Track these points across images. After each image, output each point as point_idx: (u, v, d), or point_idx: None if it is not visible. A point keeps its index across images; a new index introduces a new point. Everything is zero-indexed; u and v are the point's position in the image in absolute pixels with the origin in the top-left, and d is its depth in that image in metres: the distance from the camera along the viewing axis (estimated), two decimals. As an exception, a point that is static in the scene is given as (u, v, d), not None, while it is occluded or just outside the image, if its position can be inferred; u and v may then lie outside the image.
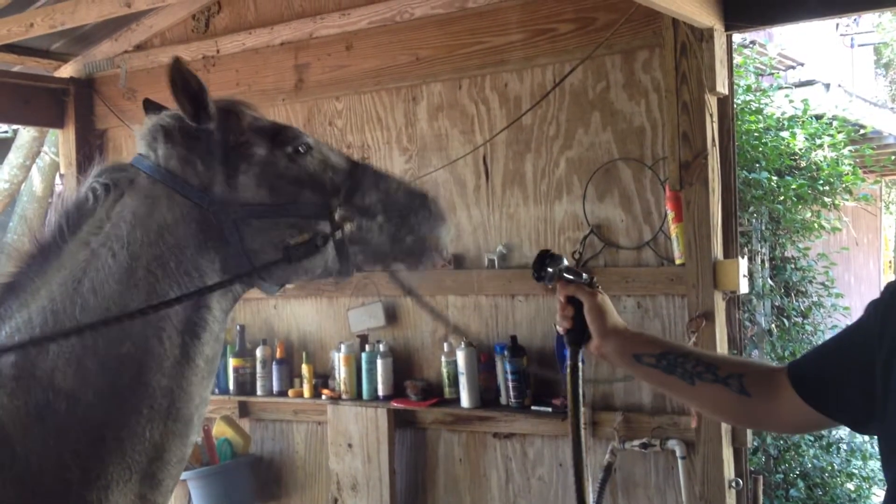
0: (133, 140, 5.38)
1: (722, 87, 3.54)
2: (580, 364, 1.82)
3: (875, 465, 6.01)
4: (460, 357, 3.98)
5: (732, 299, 3.60)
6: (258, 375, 4.58)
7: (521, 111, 3.97)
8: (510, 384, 3.89)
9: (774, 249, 6.00)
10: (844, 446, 6.04)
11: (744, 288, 3.55)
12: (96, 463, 1.75)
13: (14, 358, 1.75)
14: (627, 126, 3.78)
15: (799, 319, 6.04)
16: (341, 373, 4.31)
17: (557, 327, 1.88)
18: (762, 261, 5.83)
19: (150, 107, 2.07)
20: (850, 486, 5.93)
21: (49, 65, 5.15)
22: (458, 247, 4.15)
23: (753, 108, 5.88)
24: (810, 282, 6.20)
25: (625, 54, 3.77)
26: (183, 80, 1.83)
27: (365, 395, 4.27)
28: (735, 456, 3.55)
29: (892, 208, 12.04)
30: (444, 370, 4.10)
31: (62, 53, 5.13)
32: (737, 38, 5.31)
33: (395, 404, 4.18)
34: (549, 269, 1.80)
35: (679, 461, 3.58)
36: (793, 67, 10.04)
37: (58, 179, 5.52)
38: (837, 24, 12.70)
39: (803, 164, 6.05)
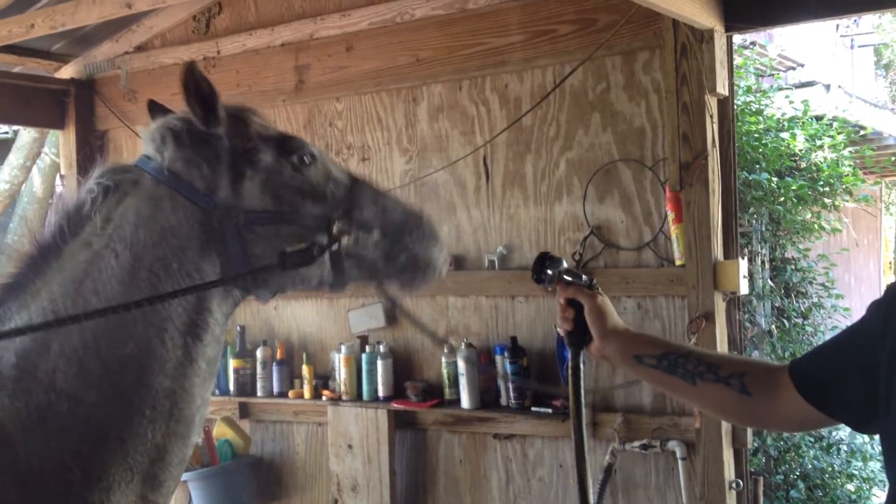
0: (134, 141, 5.39)
1: (722, 88, 3.54)
2: (581, 365, 1.83)
3: (875, 466, 6.02)
4: (460, 358, 3.98)
5: (732, 300, 3.60)
6: (258, 376, 4.58)
7: (521, 112, 3.98)
8: (510, 385, 3.90)
9: (774, 250, 6.00)
10: (845, 447, 6.04)
11: (744, 289, 3.55)
12: (98, 464, 1.75)
13: (15, 359, 1.75)
14: (628, 127, 3.78)
15: (799, 320, 6.04)
16: (341, 374, 4.31)
17: (558, 329, 1.89)
18: (762, 262, 5.83)
19: (155, 109, 2.08)
20: (851, 487, 5.93)
21: (49, 66, 5.15)
22: (459, 248, 4.16)
23: (754, 109, 5.89)
24: (810, 283, 6.20)
25: (625, 55, 3.77)
26: (196, 84, 1.86)
27: (365, 396, 4.27)
28: (735, 457, 3.55)
29: (893, 209, 12.05)
30: (445, 371, 4.09)
31: (63, 54, 5.13)
32: (737, 39, 5.31)
33: (395, 405, 4.19)
34: (549, 272, 1.81)
35: (679, 462, 3.58)
36: (793, 68, 10.05)
37: (58, 180, 5.53)
38: (837, 26, 12.69)
39: (803, 165, 6.05)
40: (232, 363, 4.61)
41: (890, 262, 11.32)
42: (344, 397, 4.31)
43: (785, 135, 5.95)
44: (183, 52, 4.85)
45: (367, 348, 4.29)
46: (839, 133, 6.35)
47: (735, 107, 3.85)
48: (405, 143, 4.31)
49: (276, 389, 4.54)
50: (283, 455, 4.68)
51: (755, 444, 5.26)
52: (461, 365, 3.98)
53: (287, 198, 1.94)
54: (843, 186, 6.19)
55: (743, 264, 3.54)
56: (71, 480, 1.73)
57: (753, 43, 7.29)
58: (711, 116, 3.52)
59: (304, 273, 1.95)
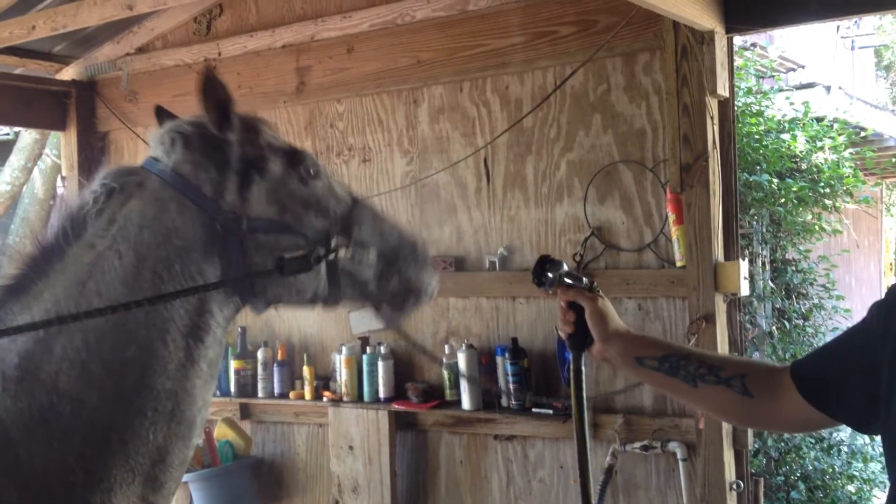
0: (135, 142, 5.40)
1: (723, 90, 3.55)
2: (583, 368, 1.83)
3: (876, 467, 6.02)
4: (461, 359, 3.98)
5: (733, 301, 3.60)
6: (259, 377, 4.58)
7: (521, 114, 3.98)
8: (511, 386, 3.90)
9: (775, 252, 6.01)
10: (845, 448, 6.04)
11: (744, 290, 3.56)
12: (100, 465, 1.75)
13: (18, 361, 1.75)
14: (628, 128, 3.79)
15: (800, 321, 6.04)
16: (342, 375, 4.31)
17: (559, 331, 1.89)
18: (763, 263, 5.83)
19: (163, 115, 2.10)
20: (851, 488, 5.93)
21: (51, 67, 5.16)
22: (459, 249, 4.16)
23: (754, 111, 5.89)
24: (811, 284, 6.20)
25: (626, 57, 3.77)
26: (212, 89, 1.87)
27: (366, 397, 4.27)
28: (736, 458, 3.55)
29: (893, 210, 12.05)
30: (445, 372, 4.10)
31: (64, 56, 5.14)
32: (737, 40, 5.31)
33: (396, 406, 4.19)
34: (550, 275, 1.81)
35: (680, 463, 3.58)
36: (793, 70, 10.05)
37: (59, 182, 5.54)
38: (838, 27, 12.69)
39: (804, 166, 6.06)
40: (233, 364, 4.61)
41: (891, 264, 11.33)
42: (345, 398, 4.31)
43: (785, 136, 5.96)
44: (184, 53, 4.85)
45: (368, 349, 4.30)
46: (840, 134, 6.35)
47: (736, 108, 3.85)
48: (406, 145, 4.31)
49: (276, 390, 4.54)
50: (284, 456, 4.69)
51: (756, 446, 5.26)
52: (462, 366, 3.98)
53: (291, 208, 1.96)
54: (844, 188, 6.19)
55: (743, 266, 3.54)
56: (73, 482, 1.73)
57: (754, 44, 7.30)
58: (712, 118, 3.52)
59: (301, 283, 1.97)
